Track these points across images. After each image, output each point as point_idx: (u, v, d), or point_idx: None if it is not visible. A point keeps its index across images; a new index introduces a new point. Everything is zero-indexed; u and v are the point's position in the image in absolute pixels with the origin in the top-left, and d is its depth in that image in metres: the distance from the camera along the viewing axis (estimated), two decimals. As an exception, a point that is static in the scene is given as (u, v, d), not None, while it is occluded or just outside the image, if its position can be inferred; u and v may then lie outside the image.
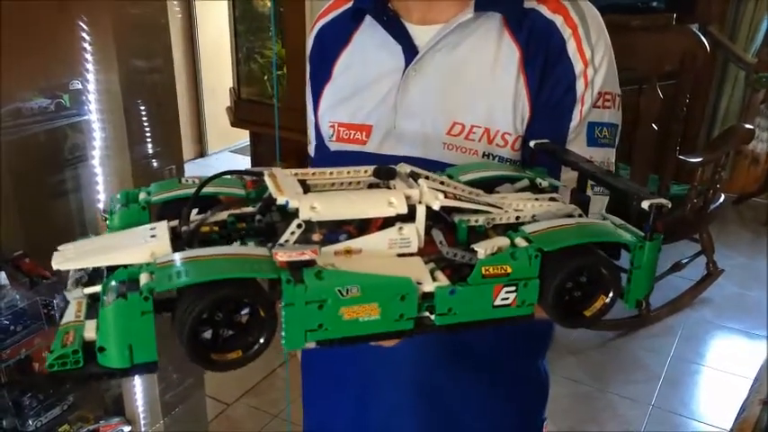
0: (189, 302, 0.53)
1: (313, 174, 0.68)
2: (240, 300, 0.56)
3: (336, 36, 1.08)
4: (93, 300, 0.61)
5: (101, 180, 1.79)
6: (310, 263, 0.57)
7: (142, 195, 0.72)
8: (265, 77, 3.34)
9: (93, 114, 1.71)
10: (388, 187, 0.67)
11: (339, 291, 0.56)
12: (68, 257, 0.61)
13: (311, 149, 1.21)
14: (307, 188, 0.64)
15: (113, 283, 0.54)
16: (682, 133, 2.88)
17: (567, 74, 0.94)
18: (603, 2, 2.67)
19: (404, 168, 0.70)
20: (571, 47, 0.94)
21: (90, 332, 0.55)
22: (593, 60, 0.94)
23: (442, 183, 0.69)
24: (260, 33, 3.35)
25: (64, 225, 1.96)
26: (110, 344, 0.53)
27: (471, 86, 0.96)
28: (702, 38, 2.65)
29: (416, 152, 0.98)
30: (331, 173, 0.68)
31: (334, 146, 1.08)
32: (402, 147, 0.99)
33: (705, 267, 3.35)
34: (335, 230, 0.61)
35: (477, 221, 0.68)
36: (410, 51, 0.99)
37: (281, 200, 0.60)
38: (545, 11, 0.95)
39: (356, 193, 0.66)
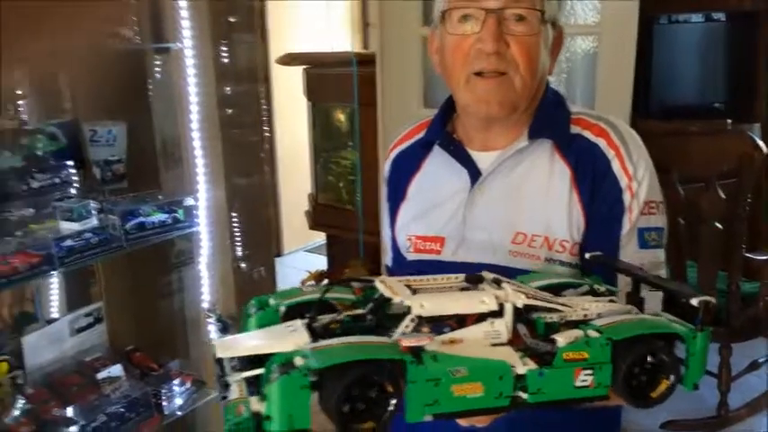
0: (336, 379, 0.68)
1: (414, 280, 0.85)
2: (375, 377, 0.70)
3: (410, 162, 1.28)
4: (248, 382, 0.77)
5: (205, 282, 2.02)
6: (424, 349, 0.72)
7: (272, 301, 0.89)
8: (340, 184, 3.60)
9: (202, 226, 1.96)
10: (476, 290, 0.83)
11: (450, 371, 0.71)
12: (228, 348, 0.78)
13: (388, 260, 1.38)
14: (413, 291, 0.81)
15: (275, 365, 0.70)
16: (747, 231, 2.93)
17: (613, 188, 1.10)
18: (668, 106, 2.85)
19: (488, 275, 0.86)
20: (615, 165, 1.10)
21: (256, 405, 0.70)
22: (635, 175, 1.10)
23: (518, 287, 0.84)
24: (336, 144, 3.64)
25: (169, 322, 2.19)
26: (274, 413, 0.67)
27: (530, 201, 1.12)
28: (758, 141, 2.77)
29: (486, 259, 1.12)
30: (428, 279, 0.85)
31: (411, 256, 1.24)
32: (473, 254, 1.15)
33: (783, 365, 3.29)
34: (439, 324, 0.77)
35: (551, 318, 0.82)
36: (474, 174, 1.16)
37: (396, 300, 0.77)
38: (589, 135, 1.13)
39: (454, 293, 0.82)
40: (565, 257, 1.11)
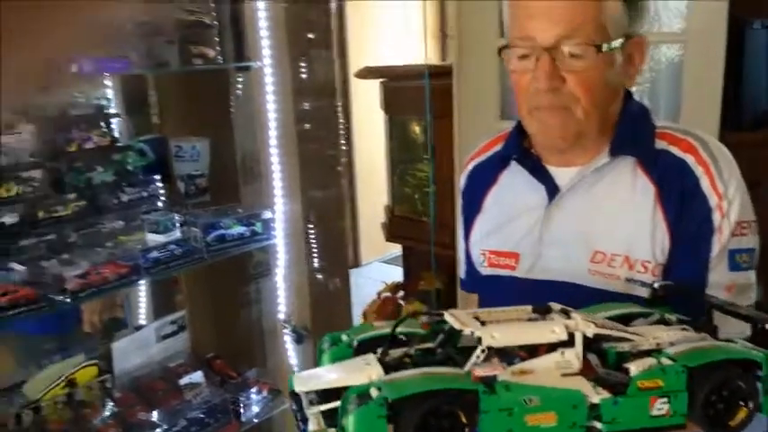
0: (411, 410, 0.69)
1: (482, 312, 0.83)
2: (449, 407, 0.70)
3: (486, 175, 1.25)
4: (325, 415, 0.77)
5: (281, 293, 2.07)
6: (497, 378, 0.72)
7: (344, 337, 0.90)
8: (416, 196, 3.61)
9: (279, 238, 2.01)
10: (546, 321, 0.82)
11: (524, 400, 0.70)
12: (306, 382, 0.79)
13: (462, 273, 1.37)
14: (481, 323, 0.79)
15: (352, 396, 0.71)
16: None
17: (702, 207, 1.05)
18: (760, 116, 2.70)
19: (555, 306, 0.84)
20: (704, 183, 1.05)
21: None
22: (726, 194, 1.05)
23: (587, 317, 0.82)
24: (412, 156, 3.65)
25: (247, 331, 2.26)
26: None
27: (610, 219, 1.08)
28: None
29: (563, 277, 1.10)
30: (496, 311, 0.84)
31: (485, 270, 1.23)
32: (549, 272, 1.12)
33: None
34: (510, 355, 0.76)
35: (622, 348, 0.80)
36: (552, 190, 1.13)
37: (466, 331, 0.77)
38: (676, 151, 1.08)
39: (524, 324, 0.81)
40: (647, 279, 1.06)
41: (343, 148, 5.27)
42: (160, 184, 2.02)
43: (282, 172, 1.97)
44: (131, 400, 1.96)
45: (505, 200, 1.21)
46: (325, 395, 0.77)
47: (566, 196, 1.12)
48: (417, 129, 3.63)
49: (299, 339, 2.03)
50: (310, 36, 1.96)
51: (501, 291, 1.21)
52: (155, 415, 1.90)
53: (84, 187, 1.85)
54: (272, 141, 1.97)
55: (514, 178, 1.21)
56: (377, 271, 5.44)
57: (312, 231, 2.05)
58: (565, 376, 0.77)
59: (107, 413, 1.90)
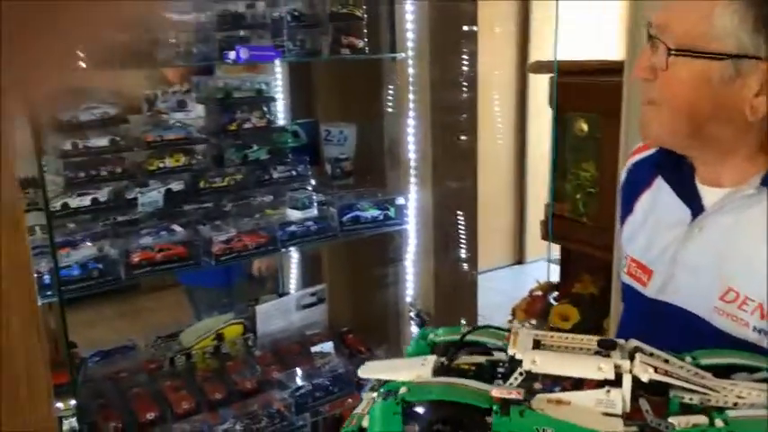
0: (427, 413, 0.73)
1: (550, 336, 0.82)
2: (463, 419, 0.72)
3: (643, 175, 1.15)
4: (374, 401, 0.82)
5: (410, 278, 2.15)
6: (517, 401, 0.71)
7: (431, 335, 0.93)
8: (578, 196, 3.49)
9: (411, 225, 2.08)
10: (608, 355, 0.78)
11: (537, 429, 0.70)
12: (369, 370, 0.85)
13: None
14: (537, 345, 0.79)
15: (383, 390, 0.76)
16: None
17: None
18: None
19: (631, 343, 0.79)
20: None
21: (365, 422, 0.78)
22: None
23: (666, 361, 0.77)
24: (577, 155, 3.54)
25: (380, 311, 2.36)
26: (372, 430, 0.74)
27: (753, 257, 0.95)
28: None
29: (689, 306, 1.01)
30: (561, 336, 0.82)
31: (623, 277, 1.16)
32: (677, 297, 1.03)
33: None
34: (555, 383, 0.75)
35: (691, 399, 0.74)
36: (696, 208, 1.02)
37: (510, 351, 0.78)
38: None
39: (575, 355, 0.78)
40: None
41: (500, 141, 5.22)
42: (309, 165, 2.18)
43: (417, 161, 2.04)
44: (268, 360, 2.15)
45: (654, 207, 1.12)
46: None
47: (708, 218, 1.01)
48: (585, 126, 3.51)
49: (421, 324, 2.09)
50: (454, 30, 2.00)
51: (628, 304, 1.16)
52: (286, 376, 2.08)
53: (240, 162, 2.06)
54: (410, 130, 2.04)
55: (666, 186, 1.10)
56: (540, 269, 5.32)
57: (445, 221, 2.10)
58: (606, 415, 0.73)
59: (246, 368, 2.11)
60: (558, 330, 3.12)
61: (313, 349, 2.16)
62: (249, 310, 2.24)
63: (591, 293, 3.31)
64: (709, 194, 1.02)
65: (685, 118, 0.97)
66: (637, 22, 2.64)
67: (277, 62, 2.25)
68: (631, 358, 0.76)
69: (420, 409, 0.73)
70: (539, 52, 5.06)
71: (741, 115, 0.95)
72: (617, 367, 0.74)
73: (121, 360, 2.04)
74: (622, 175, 1.24)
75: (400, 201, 2.04)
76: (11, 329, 1.32)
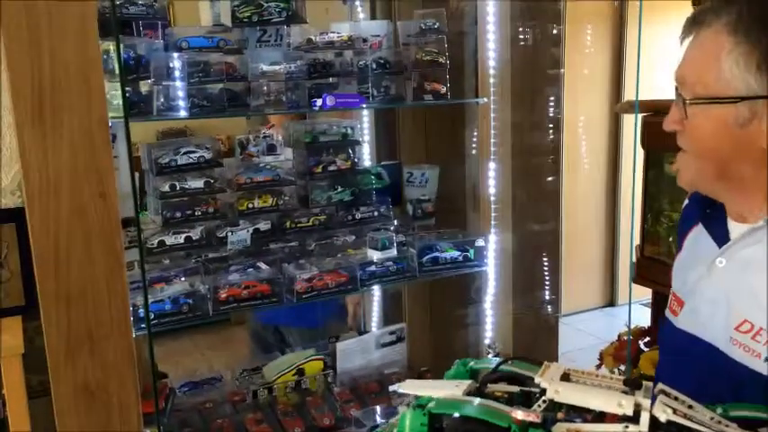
0: (450, 428, 0.76)
1: (581, 372, 0.83)
2: None
3: (695, 212, 1.19)
4: None
5: (488, 320, 2.14)
6: (536, 425, 0.74)
7: (471, 363, 0.97)
8: (670, 239, 3.38)
9: (491, 267, 2.08)
10: (632, 394, 0.78)
11: None
12: (407, 387, 0.89)
13: None
14: (565, 378, 0.81)
15: (414, 403, 0.81)
16: None
17: None
18: None
19: (658, 387, 0.79)
20: None
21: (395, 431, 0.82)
22: None
23: (690, 407, 0.77)
24: (669, 196, 3.43)
25: (459, 351, 2.36)
26: None
27: (764, 291, 0.98)
28: None
29: (707, 336, 1.04)
30: (592, 374, 0.83)
31: (666, 312, 1.18)
32: (697, 328, 1.06)
33: None
34: (577, 414, 0.77)
35: None
36: (721, 242, 1.07)
37: (537, 380, 0.80)
38: None
39: (598, 389, 0.79)
40: None
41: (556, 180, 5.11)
42: (391, 206, 2.23)
43: (498, 203, 2.05)
44: (346, 397, 2.18)
45: (697, 243, 1.16)
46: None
47: (729, 251, 1.06)
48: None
49: (499, 367, 2.07)
50: (538, 73, 2.01)
51: (662, 335, 1.18)
52: (363, 413, 2.10)
53: (325, 203, 2.14)
54: (491, 173, 2.06)
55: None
56: (634, 313, 5.13)
57: (525, 263, 2.09)
58: None
59: (325, 404, 2.16)
60: (648, 378, 3.00)
61: (391, 388, 2.18)
62: (330, 346, 2.29)
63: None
64: (736, 230, 1.07)
65: (710, 162, 1.02)
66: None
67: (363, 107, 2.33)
68: (654, 399, 0.76)
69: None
70: (633, 93, 4.96)
71: (761, 153, 1.00)
72: (637, 405, 0.74)
73: (208, 391, 2.13)
74: (682, 212, 1.27)
75: (480, 242, 2.05)
76: (107, 360, 1.43)
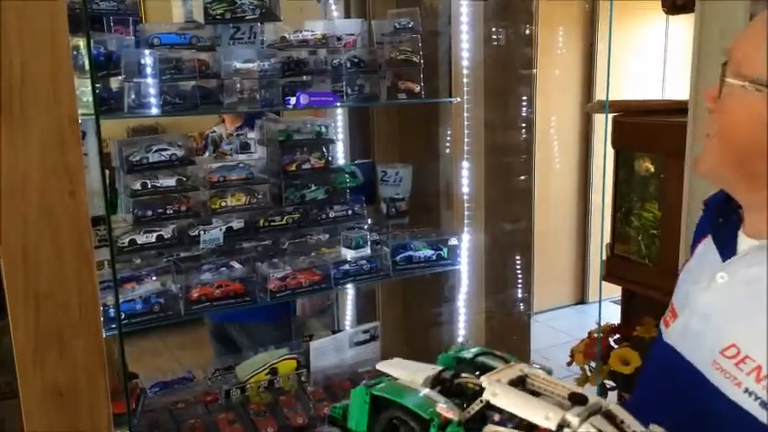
0: (383, 409, 0.79)
1: (537, 376, 0.82)
2: (410, 422, 0.76)
3: (708, 221, 1.10)
4: None
5: (461, 318, 2.15)
6: (454, 422, 0.74)
7: (463, 352, 0.93)
8: (639, 237, 3.43)
9: (463, 265, 2.10)
10: (569, 408, 0.77)
11: None
12: (385, 365, 0.90)
13: None
14: (519, 381, 0.79)
15: (368, 381, 0.83)
16: None
17: None
18: None
19: (607, 405, 0.76)
20: None
21: None
22: None
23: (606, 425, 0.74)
24: (640, 195, 3.49)
25: (433, 349, 2.37)
26: (350, 413, 0.82)
27: (758, 314, 0.90)
28: None
29: (691, 356, 0.98)
30: (547, 380, 0.81)
31: (662, 321, 1.11)
32: (684, 345, 1.00)
33: None
34: (512, 420, 0.75)
35: None
36: (726, 256, 0.99)
37: (482, 379, 0.79)
38: None
39: (534, 399, 0.78)
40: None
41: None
42: (365, 205, 2.23)
43: (470, 201, 2.07)
44: (320, 395, 2.18)
45: (705, 254, 1.07)
46: None
47: (733, 266, 0.98)
48: (648, 167, 3.46)
49: (471, 364, 2.09)
50: (511, 73, 2.03)
51: (652, 344, 1.13)
52: (336, 412, 2.10)
53: (298, 202, 2.13)
54: (464, 172, 2.07)
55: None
56: (604, 309, 5.21)
57: (496, 262, 2.10)
58: None
59: (299, 403, 2.15)
60: (618, 375, 3.04)
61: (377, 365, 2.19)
62: (303, 345, 2.29)
63: (653, 337, 3.22)
64: (744, 244, 0.98)
65: (734, 153, 0.94)
66: (699, 65, 2.61)
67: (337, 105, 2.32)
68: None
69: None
70: (603, 93, 5.03)
71: None
72: (563, 420, 0.72)
73: (180, 391, 2.11)
74: (699, 219, 1.18)
75: (453, 241, 2.07)
76: (77, 361, 1.41)
